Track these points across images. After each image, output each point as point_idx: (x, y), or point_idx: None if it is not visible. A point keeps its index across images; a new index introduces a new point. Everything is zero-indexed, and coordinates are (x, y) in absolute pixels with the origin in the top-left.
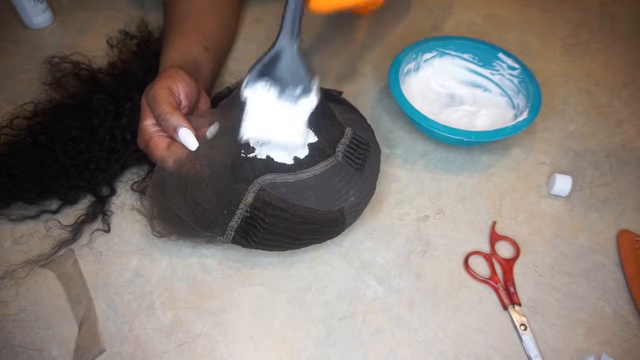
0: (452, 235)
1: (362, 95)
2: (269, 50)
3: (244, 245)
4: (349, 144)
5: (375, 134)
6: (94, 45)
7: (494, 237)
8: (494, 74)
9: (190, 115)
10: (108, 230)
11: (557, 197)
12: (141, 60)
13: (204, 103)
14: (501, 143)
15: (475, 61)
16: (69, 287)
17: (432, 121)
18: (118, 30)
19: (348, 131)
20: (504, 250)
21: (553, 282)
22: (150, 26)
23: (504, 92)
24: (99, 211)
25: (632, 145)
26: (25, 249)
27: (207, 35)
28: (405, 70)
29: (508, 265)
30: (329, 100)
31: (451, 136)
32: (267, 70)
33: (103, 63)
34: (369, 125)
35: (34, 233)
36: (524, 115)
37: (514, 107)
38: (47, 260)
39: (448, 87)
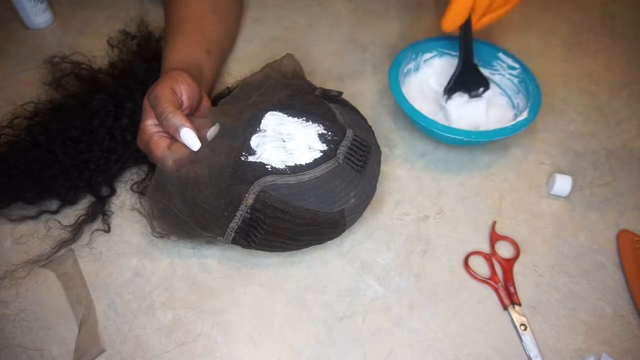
0: (452, 235)
1: (362, 95)
2: (458, 69)
3: (244, 246)
4: (350, 146)
5: (376, 134)
6: (94, 45)
7: (494, 237)
8: (493, 74)
9: (191, 116)
10: (108, 231)
11: (557, 197)
12: (141, 61)
13: (205, 105)
14: (501, 143)
15: (475, 61)
16: (69, 287)
17: (432, 121)
18: (118, 30)
19: (349, 133)
20: (504, 250)
21: (553, 282)
22: (150, 26)
23: (504, 92)
24: (99, 211)
25: (632, 145)
26: (25, 249)
27: (209, 38)
28: (406, 70)
29: (508, 265)
30: (330, 101)
31: (451, 136)
32: (458, 83)
33: (103, 63)
34: (370, 126)
35: (34, 233)
36: (524, 115)
37: (513, 106)
38: (47, 260)
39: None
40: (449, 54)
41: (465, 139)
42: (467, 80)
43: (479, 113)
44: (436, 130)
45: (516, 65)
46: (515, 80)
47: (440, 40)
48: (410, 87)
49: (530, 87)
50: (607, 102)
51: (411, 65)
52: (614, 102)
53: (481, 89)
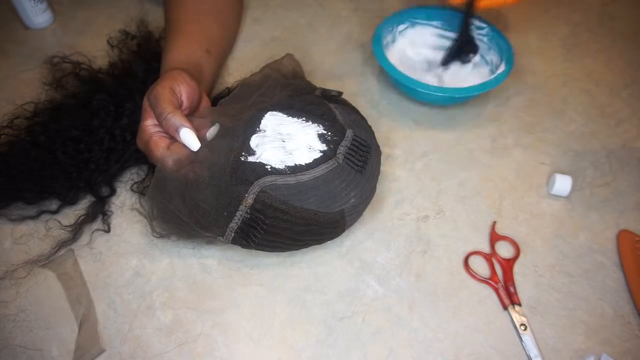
0: (452, 235)
1: (362, 95)
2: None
3: (243, 246)
4: (349, 146)
5: (376, 134)
6: (94, 45)
7: (494, 237)
8: None
9: (191, 116)
10: (108, 231)
11: (557, 197)
12: (141, 61)
13: (205, 105)
14: (501, 143)
15: (445, 27)
16: (69, 287)
17: (425, 84)
18: (118, 30)
19: (349, 133)
20: (504, 250)
21: (553, 282)
22: (150, 26)
23: None
24: (99, 211)
25: (632, 145)
26: (25, 249)
27: (209, 38)
28: (385, 43)
29: (508, 265)
30: (329, 101)
31: (442, 94)
32: (455, 55)
33: (103, 63)
34: (370, 126)
35: (34, 233)
36: (502, 68)
37: (487, 63)
38: (47, 260)
39: (424, 54)
40: (420, 23)
41: (457, 96)
42: (462, 51)
43: (464, 75)
44: (427, 92)
45: (483, 25)
46: (485, 38)
47: (411, 10)
48: (391, 58)
49: (501, 42)
50: (607, 102)
51: (389, 38)
52: (614, 102)
53: (471, 55)
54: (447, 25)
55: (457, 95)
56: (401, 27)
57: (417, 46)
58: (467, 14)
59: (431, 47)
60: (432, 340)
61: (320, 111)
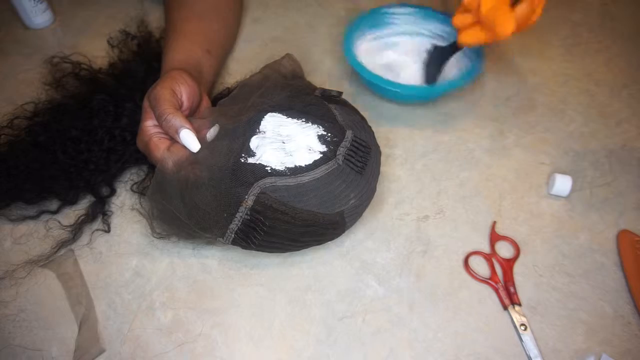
0: (452, 235)
1: (362, 95)
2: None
3: (244, 247)
4: (349, 147)
5: (375, 134)
6: (94, 46)
7: (494, 237)
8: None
9: (191, 116)
10: (108, 231)
11: (557, 197)
12: (141, 61)
13: (205, 105)
14: (501, 143)
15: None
16: (69, 287)
17: (413, 86)
18: (118, 30)
19: (349, 134)
20: (504, 250)
21: (553, 282)
22: (150, 26)
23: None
24: (99, 211)
25: (632, 145)
26: (25, 249)
27: (209, 38)
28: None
29: (508, 265)
30: (329, 102)
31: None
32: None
33: (103, 63)
34: (370, 127)
35: (34, 233)
36: (474, 62)
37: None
38: (47, 260)
39: (383, 59)
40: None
41: (449, 90)
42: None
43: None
44: (406, 92)
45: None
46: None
47: (366, 17)
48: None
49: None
50: (607, 102)
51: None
52: (613, 102)
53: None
54: (430, 33)
55: (442, 90)
56: (357, 40)
57: (372, 56)
58: (453, 50)
59: (384, 53)
60: (432, 340)
61: (320, 112)
